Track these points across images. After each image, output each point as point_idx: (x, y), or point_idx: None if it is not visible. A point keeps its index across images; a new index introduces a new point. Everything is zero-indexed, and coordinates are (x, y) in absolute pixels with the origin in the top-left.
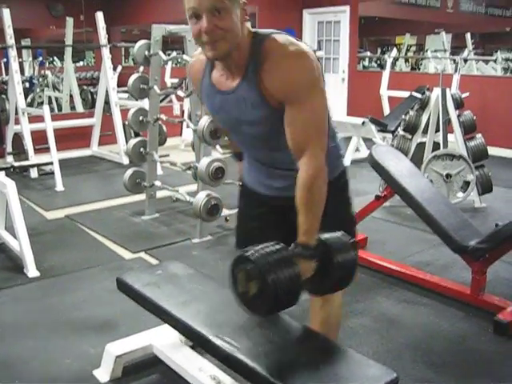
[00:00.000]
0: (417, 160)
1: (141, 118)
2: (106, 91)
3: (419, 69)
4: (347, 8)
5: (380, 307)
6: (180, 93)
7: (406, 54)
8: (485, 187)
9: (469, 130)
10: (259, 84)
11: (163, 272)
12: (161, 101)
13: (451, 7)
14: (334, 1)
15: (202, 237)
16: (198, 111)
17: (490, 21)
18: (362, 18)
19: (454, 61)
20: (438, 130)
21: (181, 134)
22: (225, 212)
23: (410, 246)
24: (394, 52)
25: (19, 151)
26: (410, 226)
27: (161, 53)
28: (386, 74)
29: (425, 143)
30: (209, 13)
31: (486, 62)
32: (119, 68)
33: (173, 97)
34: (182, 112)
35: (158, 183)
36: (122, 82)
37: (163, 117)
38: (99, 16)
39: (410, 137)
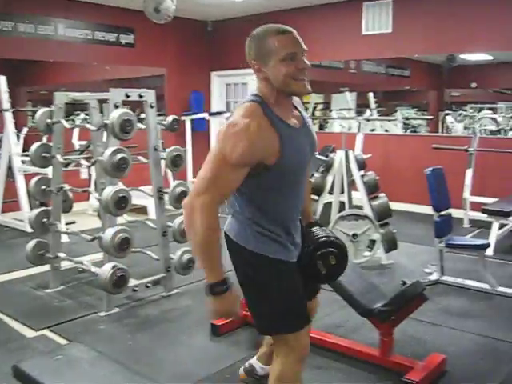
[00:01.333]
0: (324, 220)
1: (43, 187)
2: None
3: (326, 127)
4: None
5: None
6: (83, 162)
7: (313, 113)
8: (390, 244)
9: (372, 189)
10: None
11: (64, 356)
12: (67, 165)
13: (354, 68)
14: (241, 64)
15: (110, 310)
16: (102, 179)
17: (390, 80)
18: None
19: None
20: (343, 191)
21: (88, 199)
22: (132, 282)
23: (320, 309)
24: None
25: None
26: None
27: (63, 121)
28: None
29: (331, 203)
30: (303, 55)
31: (389, 120)
32: (24, 130)
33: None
34: (90, 175)
35: (62, 254)
36: (28, 144)
37: (67, 186)
38: (1, 80)
39: (316, 198)
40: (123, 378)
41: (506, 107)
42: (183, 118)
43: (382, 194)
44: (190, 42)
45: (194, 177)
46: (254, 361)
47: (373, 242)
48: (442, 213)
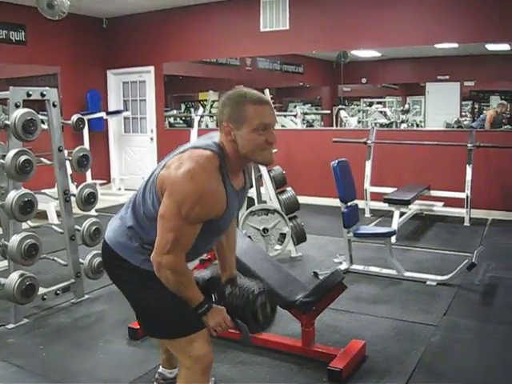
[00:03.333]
0: None
1: None
2: None
3: None
4: (152, 68)
5: (217, 372)
6: None
7: (210, 110)
8: (299, 237)
9: (280, 183)
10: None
11: None
12: None
13: (249, 65)
14: (138, 61)
15: (18, 321)
16: (3, 183)
17: (285, 77)
18: (165, 76)
19: None
20: (251, 186)
21: None
22: (41, 290)
23: None
24: (201, 110)
25: None
26: None
27: None
28: (194, 131)
29: None
30: (273, 127)
31: (285, 116)
32: None
33: None
34: None
35: None
36: None
37: None
38: None
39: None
40: None
41: (395, 101)
42: None
43: (289, 188)
44: (84, 39)
45: (93, 178)
46: (161, 369)
47: (283, 235)
48: (349, 203)
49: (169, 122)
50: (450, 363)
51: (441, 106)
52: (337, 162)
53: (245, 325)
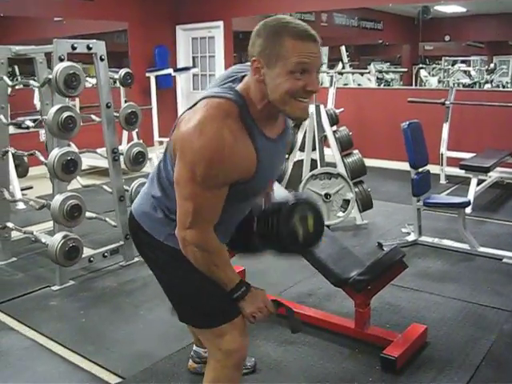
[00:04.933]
0: (295, 180)
1: None
2: None
3: None
4: (221, 23)
5: (259, 352)
6: (28, 122)
7: None
8: (365, 204)
9: (346, 146)
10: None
11: None
12: (28, 127)
13: (325, 21)
14: (207, 16)
15: (63, 283)
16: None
17: (363, 33)
18: (239, 32)
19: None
20: (314, 148)
21: None
22: (88, 252)
23: (291, 276)
24: None
25: None
26: None
27: (6, 78)
28: None
29: (302, 161)
30: (316, 72)
31: (362, 74)
32: None
33: None
34: None
35: (10, 224)
36: None
37: (12, 150)
38: None
39: (286, 156)
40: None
41: (480, 61)
42: (147, 74)
43: (355, 151)
44: None
45: (160, 136)
46: (195, 348)
47: (347, 201)
48: (420, 170)
49: None
50: None
51: None
52: (408, 123)
53: (292, 309)
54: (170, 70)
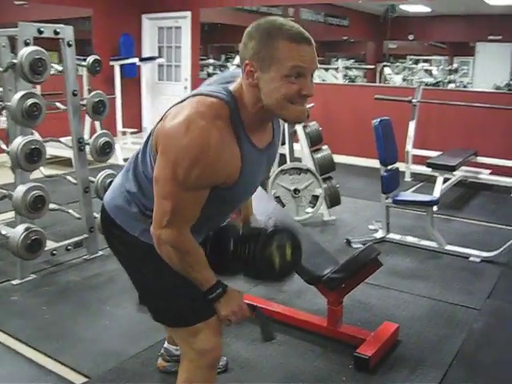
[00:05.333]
0: None
1: None
2: None
3: None
4: (188, 14)
5: (230, 350)
6: None
7: None
8: (333, 200)
9: (315, 141)
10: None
11: None
12: None
13: (292, 15)
14: (175, 6)
15: (24, 277)
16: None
17: (328, 30)
18: (205, 24)
19: None
20: (284, 143)
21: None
22: (51, 245)
23: None
24: (237, 60)
25: None
26: None
27: None
28: None
29: None
30: (311, 75)
31: (326, 69)
32: None
33: None
34: None
35: None
36: None
37: None
38: None
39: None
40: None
41: (444, 60)
42: (112, 63)
43: (325, 147)
44: None
45: (124, 126)
46: (166, 345)
47: (315, 197)
48: (390, 167)
49: (207, 73)
50: (494, 355)
51: (490, 68)
52: (379, 120)
53: (266, 316)
54: (135, 60)
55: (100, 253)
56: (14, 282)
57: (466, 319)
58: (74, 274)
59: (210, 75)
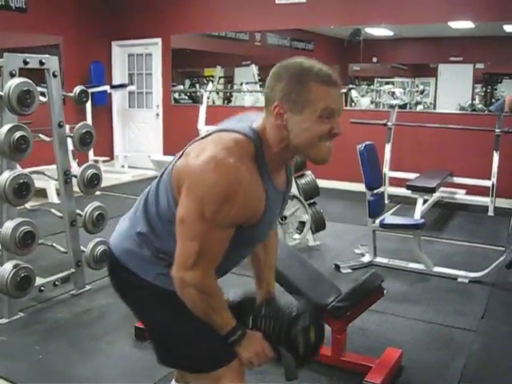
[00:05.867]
0: None
1: None
2: None
3: (230, 101)
4: (159, 40)
5: None
6: None
7: (217, 86)
8: (318, 225)
9: (299, 167)
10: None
11: None
12: None
13: (259, 40)
14: (145, 33)
15: (12, 315)
16: None
17: (295, 53)
18: (172, 50)
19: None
20: None
21: None
22: (38, 281)
23: None
24: (210, 86)
25: None
26: None
27: None
28: (203, 108)
29: None
30: (339, 116)
31: None
32: None
33: None
34: None
35: None
36: None
37: None
38: None
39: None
40: None
41: (410, 82)
42: None
43: (308, 172)
44: (88, 8)
45: (95, 155)
46: (173, 383)
47: (302, 223)
48: (375, 191)
49: (174, 99)
50: (498, 378)
51: (453, 89)
52: (364, 145)
53: (289, 354)
54: (107, 87)
55: (87, 287)
56: (1, 322)
57: (464, 341)
58: (62, 311)
59: (176, 101)
